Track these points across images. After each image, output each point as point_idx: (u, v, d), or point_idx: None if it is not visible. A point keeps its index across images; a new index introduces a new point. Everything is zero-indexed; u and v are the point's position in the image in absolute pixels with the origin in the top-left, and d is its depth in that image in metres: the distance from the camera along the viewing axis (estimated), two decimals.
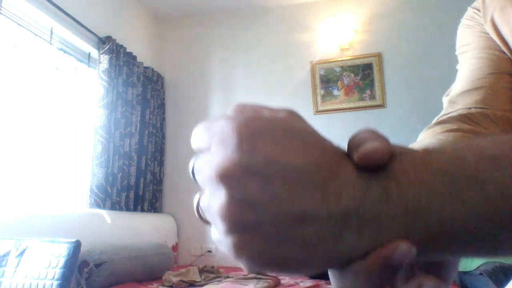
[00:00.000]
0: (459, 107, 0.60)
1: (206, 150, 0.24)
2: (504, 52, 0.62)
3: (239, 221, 0.21)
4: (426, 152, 0.22)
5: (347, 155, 0.23)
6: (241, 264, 0.23)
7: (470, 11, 0.69)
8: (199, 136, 0.25)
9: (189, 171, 0.26)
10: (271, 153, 0.21)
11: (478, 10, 0.66)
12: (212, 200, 0.23)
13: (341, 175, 0.22)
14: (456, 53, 0.71)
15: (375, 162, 0.22)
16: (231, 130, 0.22)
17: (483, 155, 0.21)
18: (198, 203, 0.25)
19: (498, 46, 0.63)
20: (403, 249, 0.21)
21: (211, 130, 0.23)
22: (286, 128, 0.22)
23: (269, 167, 0.21)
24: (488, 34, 0.64)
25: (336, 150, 0.23)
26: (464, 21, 0.70)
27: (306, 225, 0.21)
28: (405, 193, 0.21)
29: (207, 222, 0.25)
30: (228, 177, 0.21)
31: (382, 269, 0.21)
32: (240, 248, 0.22)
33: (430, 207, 0.21)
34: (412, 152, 0.23)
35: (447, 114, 0.60)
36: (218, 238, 0.23)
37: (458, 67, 0.69)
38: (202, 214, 0.25)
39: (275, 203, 0.21)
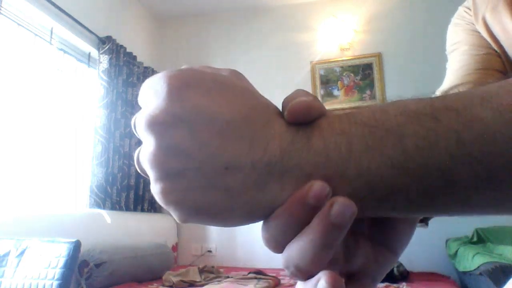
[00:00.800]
0: None
1: (144, 105, 0.25)
2: (494, 50, 0.63)
3: (165, 168, 0.22)
4: (354, 109, 0.23)
5: (281, 113, 0.24)
6: (170, 212, 0.23)
7: (460, 10, 0.69)
8: (141, 93, 0.25)
9: (132, 127, 0.27)
10: (199, 103, 0.22)
11: (469, 9, 0.67)
12: (144, 149, 0.24)
13: (270, 128, 0.22)
14: (446, 52, 0.71)
15: (302, 116, 0.23)
16: (163, 81, 0.23)
17: (405, 110, 0.22)
18: (137, 156, 0.26)
19: (489, 44, 0.63)
20: (318, 186, 0.21)
21: (147, 86, 0.24)
22: (220, 82, 0.23)
23: (196, 116, 0.22)
24: (478, 32, 0.64)
25: (270, 106, 0.24)
26: (454, 20, 0.70)
27: (231, 174, 0.22)
28: (327, 142, 0.22)
29: (146, 175, 0.25)
30: (155, 125, 0.22)
31: (300, 212, 0.22)
32: (166, 195, 0.22)
33: (349, 156, 0.21)
34: (341, 111, 0.24)
35: None
36: (152, 187, 0.24)
37: (447, 65, 0.70)
38: (140, 167, 0.26)
39: (201, 152, 0.22)
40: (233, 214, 0.23)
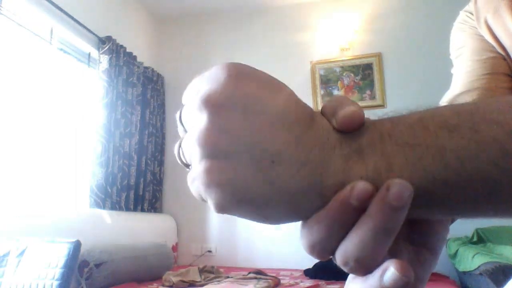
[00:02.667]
0: None
1: (195, 94, 0.25)
2: (499, 53, 0.62)
3: (214, 145, 0.22)
4: (393, 125, 0.23)
5: (318, 115, 0.25)
6: (209, 198, 0.23)
7: (462, 14, 0.69)
8: (190, 88, 0.26)
9: (177, 118, 0.27)
10: (254, 91, 0.23)
11: (471, 13, 0.66)
12: (193, 129, 0.24)
13: (314, 132, 0.23)
14: (451, 57, 0.71)
15: (352, 127, 0.23)
16: (221, 69, 0.24)
17: (445, 125, 0.22)
18: (179, 146, 0.26)
19: (493, 47, 0.63)
20: (361, 186, 0.21)
21: (201, 77, 0.25)
22: (272, 79, 0.24)
23: (251, 103, 0.23)
24: (482, 36, 0.64)
25: (311, 110, 0.25)
26: (456, 24, 0.70)
27: (276, 165, 0.22)
28: (367, 162, 0.22)
29: (185, 164, 0.26)
30: (210, 103, 0.23)
31: (344, 213, 0.22)
32: (211, 174, 0.22)
33: (387, 177, 0.22)
34: (381, 123, 0.24)
35: None
36: (193, 173, 0.24)
37: (452, 71, 0.69)
38: (182, 157, 0.26)
39: (252, 137, 0.22)
40: (273, 206, 0.23)
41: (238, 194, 0.22)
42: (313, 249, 0.24)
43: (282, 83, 0.25)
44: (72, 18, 2.50)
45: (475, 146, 0.21)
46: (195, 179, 0.24)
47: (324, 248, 0.23)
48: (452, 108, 0.23)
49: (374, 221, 0.21)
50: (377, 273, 0.22)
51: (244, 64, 0.24)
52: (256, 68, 0.25)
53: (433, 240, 0.27)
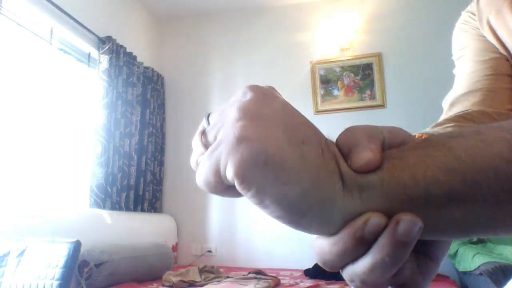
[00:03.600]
0: (458, 110, 0.60)
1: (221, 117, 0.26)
2: (502, 54, 0.62)
3: (254, 111, 0.23)
4: (412, 164, 0.23)
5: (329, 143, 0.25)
6: (233, 156, 0.22)
7: (464, 15, 0.69)
8: (217, 112, 0.27)
9: (205, 117, 0.28)
10: (286, 106, 0.26)
11: (473, 14, 0.66)
12: (233, 104, 0.25)
13: (332, 171, 0.23)
14: (453, 58, 0.71)
15: (366, 172, 0.23)
16: (251, 87, 0.26)
17: (448, 138, 0.23)
18: (203, 129, 0.27)
19: (496, 48, 0.63)
20: (375, 221, 0.22)
21: (232, 100, 0.26)
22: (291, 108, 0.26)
23: (287, 114, 0.25)
24: (484, 37, 0.64)
25: (327, 146, 0.25)
26: (458, 25, 0.70)
27: (305, 145, 0.23)
28: (386, 198, 0.23)
29: (205, 145, 0.25)
30: (256, 88, 0.25)
31: (356, 243, 0.22)
32: (244, 128, 0.22)
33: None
34: (400, 159, 0.24)
35: (445, 117, 0.60)
36: (218, 140, 0.24)
37: (455, 71, 0.69)
38: (202, 139, 0.26)
39: (287, 119, 0.24)
40: (300, 182, 0.22)
41: (267, 153, 0.22)
42: (324, 265, 0.25)
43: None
44: (72, 18, 2.50)
45: (483, 144, 0.22)
46: (220, 144, 0.23)
47: (334, 266, 0.24)
48: (453, 130, 0.25)
49: (383, 254, 0.22)
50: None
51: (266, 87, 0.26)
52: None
53: (435, 249, 0.27)
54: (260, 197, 0.22)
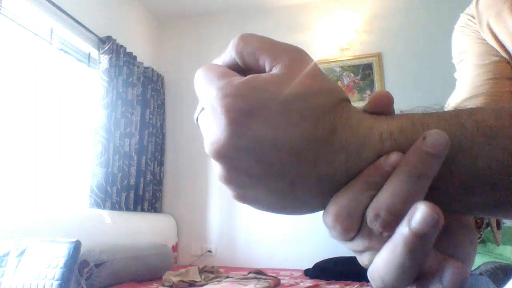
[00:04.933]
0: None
1: (205, 112, 0.25)
2: (503, 58, 0.62)
3: (235, 183, 0.24)
4: (426, 116, 0.24)
5: (345, 99, 0.24)
6: (221, 108, 0.22)
7: (463, 18, 0.68)
8: (197, 87, 0.26)
9: (194, 118, 0.28)
10: (262, 133, 0.22)
11: (473, 17, 0.66)
12: (215, 169, 0.25)
13: (336, 139, 0.22)
14: (453, 61, 0.70)
15: (381, 103, 0.24)
16: (221, 109, 0.22)
17: (482, 126, 0.22)
18: (198, 116, 0.27)
19: (496, 51, 0.62)
20: (394, 156, 0.22)
21: (206, 95, 0.24)
22: (280, 101, 0.22)
23: (260, 147, 0.22)
24: (484, 40, 0.64)
25: (335, 96, 0.23)
26: (458, 28, 0.69)
27: (297, 188, 0.23)
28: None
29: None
30: (220, 156, 0.23)
31: (376, 178, 0.22)
32: (238, 199, 0.25)
33: None
34: (412, 113, 0.24)
35: None
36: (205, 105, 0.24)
37: (456, 75, 0.69)
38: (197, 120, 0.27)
39: (268, 174, 0.23)
40: (295, 133, 0.22)
41: (259, 102, 0.22)
42: (339, 216, 0.23)
43: (298, 92, 0.23)
44: (72, 18, 2.50)
45: (508, 155, 0.21)
46: (209, 104, 0.23)
47: (350, 213, 0.22)
48: (492, 110, 0.23)
49: (410, 167, 0.21)
50: (403, 223, 0.21)
51: (247, 93, 0.23)
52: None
53: (462, 251, 0.26)
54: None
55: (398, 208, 0.21)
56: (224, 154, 0.23)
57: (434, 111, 0.24)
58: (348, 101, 0.24)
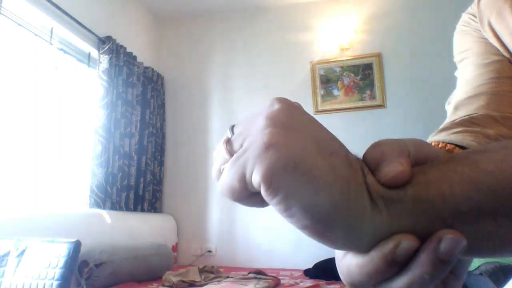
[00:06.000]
0: (463, 114, 0.60)
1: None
2: (504, 57, 0.62)
3: (283, 120, 0.23)
4: (438, 180, 0.23)
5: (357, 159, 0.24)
6: (261, 161, 0.22)
7: (465, 16, 0.68)
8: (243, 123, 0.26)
9: (229, 128, 0.27)
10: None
11: (474, 16, 0.66)
12: (260, 115, 0.24)
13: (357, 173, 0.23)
14: (454, 60, 0.70)
15: (396, 185, 0.23)
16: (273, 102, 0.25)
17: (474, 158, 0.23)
18: (228, 138, 0.26)
19: (498, 50, 0.62)
20: (406, 245, 0.21)
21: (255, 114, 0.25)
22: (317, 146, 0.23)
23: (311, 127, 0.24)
24: (486, 39, 0.64)
25: (354, 160, 0.24)
26: (459, 27, 0.69)
27: (334, 157, 0.23)
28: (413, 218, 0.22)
29: (230, 153, 0.25)
30: (283, 100, 0.25)
31: (387, 266, 0.22)
32: (272, 134, 0.22)
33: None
34: (425, 174, 0.24)
35: (451, 121, 0.60)
36: (244, 147, 0.23)
37: (456, 74, 0.69)
38: (228, 147, 0.26)
39: (316, 132, 0.24)
40: (331, 191, 0.22)
41: (296, 158, 0.21)
42: (352, 285, 0.24)
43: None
44: (72, 18, 2.50)
45: (511, 158, 0.22)
46: (247, 150, 0.23)
47: (363, 286, 0.23)
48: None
49: (422, 271, 0.21)
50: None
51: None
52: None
53: (459, 266, 0.27)
54: (287, 204, 0.21)
55: None
56: (286, 121, 0.24)
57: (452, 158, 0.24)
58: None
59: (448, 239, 0.21)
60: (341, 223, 0.22)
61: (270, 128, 0.22)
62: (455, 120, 0.59)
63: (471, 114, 0.59)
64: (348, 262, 0.23)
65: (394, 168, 0.23)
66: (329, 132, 0.25)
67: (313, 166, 0.21)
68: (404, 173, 0.23)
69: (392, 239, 0.22)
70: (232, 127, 0.26)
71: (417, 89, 3.07)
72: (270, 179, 0.21)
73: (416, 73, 3.10)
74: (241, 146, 0.24)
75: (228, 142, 0.26)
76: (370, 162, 0.24)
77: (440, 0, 3.10)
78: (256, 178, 0.21)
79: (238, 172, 0.23)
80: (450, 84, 0.69)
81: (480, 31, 0.64)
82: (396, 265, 0.22)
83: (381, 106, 3.11)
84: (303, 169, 0.21)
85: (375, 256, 0.22)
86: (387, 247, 0.22)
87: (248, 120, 0.25)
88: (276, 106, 0.24)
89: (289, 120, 0.23)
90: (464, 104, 0.62)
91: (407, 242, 0.21)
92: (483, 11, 0.64)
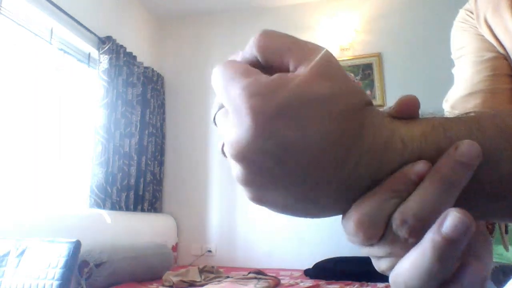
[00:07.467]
0: (459, 112, 0.60)
1: (225, 111, 0.24)
2: (500, 53, 0.62)
3: (255, 185, 0.23)
4: (447, 120, 0.24)
5: (369, 103, 0.23)
6: (246, 110, 0.21)
7: (462, 13, 0.68)
8: (216, 84, 0.24)
9: (212, 118, 0.27)
10: (287, 138, 0.21)
11: (471, 12, 0.66)
12: (233, 169, 0.24)
13: (362, 141, 0.22)
14: (452, 57, 0.70)
15: (408, 109, 0.24)
16: (246, 109, 0.21)
17: (503, 130, 0.22)
18: (222, 146, 0.26)
19: (494, 47, 0.62)
20: (420, 165, 0.22)
21: (228, 93, 0.23)
22: (308, 101, 0.21)
23: (284, 151, 0.21)
24: (482, 35, 0.64)
25: (360, 99, 0.23)
26: (457, 23, 0.69)
27: (319, 190, 0.22)
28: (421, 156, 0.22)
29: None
30: (241, 157, 0.22)
31: (401, 187, 0.22)
32: (254, 200, 0.24)
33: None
34: (433, 117, 0.25)
35: None
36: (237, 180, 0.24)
37: (453, 71, 0.69)
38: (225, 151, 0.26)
39: (289, 178, 0.22)
40: (323, 211, 0.24)
41: (287, 103, 0.21)
42: (361, 223, 0.22)
43: (323, 92, 0.22)
44: (72, 18, 2.50)
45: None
46: (231, 103, 0.22)
47: (373, 221, 0.22)
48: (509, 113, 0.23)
49: (441, 176, 0.21)
50: (433, 228, 0.21)
51: (273, 95, 0.21)
52: None
53: (479, 256, 0.26)
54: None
55: (426, 215, 0.21)
56: (246, 156, 0.22)
57: (454, 116, 0.24)
58: (371, 104, 0.24)
59: (465, 142, 0.21)
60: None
61: (248, 194, 0.24)
62: None
63: (468, 112, 0.59)
64: (360, 202, 0.22)
65: (406, 95, 0.24)
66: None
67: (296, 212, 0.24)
68: (414, 98, 0.24)
69: (408, 165, 0.22)
70: (214, 119, 0.26)
71: (417, 89, 3.06)
72: (259, 123, 0.21)
73: (416, 73, 3.10)
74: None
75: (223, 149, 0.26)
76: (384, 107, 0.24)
77: (440, 0, 3.09)
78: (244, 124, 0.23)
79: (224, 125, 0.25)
80: (450, 84, 0.69)
81: (477, 27, 0.65)
82: (409, 183, 0.22)
83: (381, 106, 3.10)
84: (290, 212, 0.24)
85: (389, 179, 0.22)
86: (404, 170, 0.22)
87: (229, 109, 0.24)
88: (245, 124, 0.21)
89: (262, 179, 0.23)
90: (461, 102, 0.62)
91: (420, 164, 0.22)
92: (480, 7, 0.64)
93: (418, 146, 0.22)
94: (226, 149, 0.23)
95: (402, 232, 0.22)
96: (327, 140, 0.21)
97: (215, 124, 0.26)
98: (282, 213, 0.24)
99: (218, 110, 0.26)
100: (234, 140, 0.22)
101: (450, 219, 0.20)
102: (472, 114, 0.24)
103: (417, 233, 0.21)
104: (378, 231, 0.22)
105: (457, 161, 0.21)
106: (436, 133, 0.23)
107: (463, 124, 0.23)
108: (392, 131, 0.23)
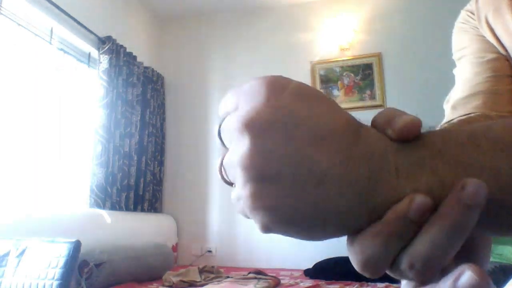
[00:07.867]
0: (460, 114, 0.60)
1: (234, 110, 0.24)
2: (501, 54, 0.62)
3: (258, 170, 0.22)
4: (444, 143, 0.23)
5: (361, 128, 0.23)
6: (255, 219, 0.23)
7: (463, 14, 0.68)
8: (227, 100, 0.25)
9: (215, 132, 0.26)
10: (298, 109, 0.22)
11: (472, 13, 0.66)
12: (235, 151, 0.23)
13: (362, 143, 0.22)
14: (453, 57, 0.70)
15: (410, 134, 0.23)
16: (260, 86, 0.23)
17: (498, 142, 0.22)
18: (221, 163, 0.26)
19: (495, 48, 0.62)
20: (420, 200, 0.21)
21: (240, 91, 0.24)
22: (317, 91, 0.23)
23: (295, 124, 0.22)
24: (484, 36, 0.64)
25: (356, 120, 0.24)
26: (458, 24, 0.69)
27: (322, 186, 0.21)
28: (419, 180, 0.22)
29: (228, 183, 0.26)
30: (252, 126, 0.22)
31: (401, 227, 0.21)
32: (257, 199, 0.22)
33: (441, 195, 0.21)
34: (431, 140, 0.23)
35: (449, 121, 0.60)
36: (237, 194, 0.24)
37: (455, 71, 0.69)
38: (224, 174, 0.26)
39: (296, 159, 0.21)
40: (323, 228, 0.22)
41: (284, 217, 0.22)
42: (367, 265, 0.22)
43: (321, 93, 0.24)
44: (72, 18, 2.50)
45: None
46: (240, 200, 0.24)
47: (379, 263, 0.22)
48: (504, 125, 0.23)
49: (448, 221, 0.20)
50: (448, 279, 0.20)
51: (282, 77, 0.24)
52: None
53: (478, 258, 0.26)
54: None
55: (435, 260, 0.21)
56: (257, 123, 0.22)
57: (447, 130, 0.24)
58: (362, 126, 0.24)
59: (472, 182, 0.20)
60: (340, 235, 0.23)
61: (249, 188, 0.22)
62: (453, 119, 0.60)
63: (469, 113, 0.59)
64: (359, 240, 0.22)
65: (407, 117, 0.23)
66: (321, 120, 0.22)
67: (300, 218, 0.22)
68: (416, 121, 0.23)
69: (405, 199, 0.21)
70: (219, 131, 0.26)
71: (417, 89, 3.06)
72: (267, 232, 0.23)
73: (416, 73, 3.10)
74: (234, 178, 0.24)
75: (222, 169, 0.26)
76: (381, 123, 0.23)
77: (440, 0, 3.09)
78: (257, 226, 0.24)
79: (241, 212, 0.25)
80: (450, 84, 0.69)
81: (478, 28, 0.64)
82: (410, 224, 0.21)
83: (381, 106, 3.11)
84: (292, 224, 0.22)
85: (388, 218, 0.21)
86: (400, 205, 0.21)
87: (228, 128, 0.24)
88: (246, 140, 0.22)
89: (265, 166, 0.22)
90: (462, 104, 0.62)
91: (421, 197, 0.21)
92: (481, 7, 0.64)
93: (412, 175, 0.22)
94: (232, 127, 0.23)
95: (410, 275, 0.22)
96: (334, 125, 0.22)
97: (219, 136, 0.26)
98: (285, 221, 0.23)
99: (222, 122, 0.26)
100: (245, 112, 0.22)
101: (466, 279, 0.20)
102: (467, 129, 0.23)
103: (425, 277, 0.22)
104: (384, 269, 0.22)
105: (466, 205, 0.20)
106: (435, 161, 0.22)
107: (458, 146, 0.22)
108: (386, 158, 0.22)
